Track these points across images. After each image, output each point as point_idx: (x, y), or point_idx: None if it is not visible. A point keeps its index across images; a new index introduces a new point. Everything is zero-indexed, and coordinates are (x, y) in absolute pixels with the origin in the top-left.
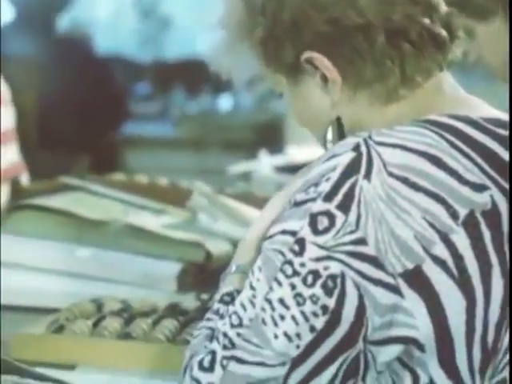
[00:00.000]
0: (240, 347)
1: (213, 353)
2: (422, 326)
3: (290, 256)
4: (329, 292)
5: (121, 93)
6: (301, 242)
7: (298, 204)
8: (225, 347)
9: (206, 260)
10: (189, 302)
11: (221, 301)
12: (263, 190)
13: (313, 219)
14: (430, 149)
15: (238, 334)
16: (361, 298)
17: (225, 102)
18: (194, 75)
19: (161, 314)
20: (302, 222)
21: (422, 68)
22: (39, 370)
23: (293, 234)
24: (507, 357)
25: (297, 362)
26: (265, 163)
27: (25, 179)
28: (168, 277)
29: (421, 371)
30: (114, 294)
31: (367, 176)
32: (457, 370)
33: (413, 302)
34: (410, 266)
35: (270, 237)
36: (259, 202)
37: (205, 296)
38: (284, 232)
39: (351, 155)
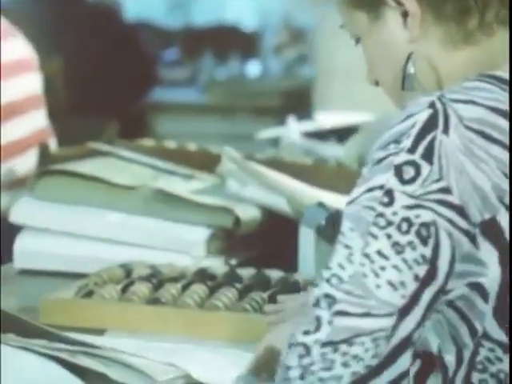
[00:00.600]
0: (342, 300)
1: (318, 318)
2: (491, 275)
3: (380, 208)
4: (423, 241)
5: (150, 59)
6: (389, 193)
7: (379, 161)
8: (329, 306)
9: (234, 225)
10: (217, 267)
11: None
12: (291, 156)
13: (398, 170)
14: (499, 104)
15: (338, 289)
16: (452, 247)
17: (253, 68)
18: (222, 41)
19: (189, 279)
20: (387, 174)
21: (500, 17)
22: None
23: (380, 187)
24: None
25: (404, 313)
26: (293, 129)
27: (53, 145)
28: (197, 242)
29: (478, 324)
30: (142, 259)
31: (445, 131)
32: (508, 319)
33: (487, 251)
34: (487, 216)
35: (352, 200)
36: (288, 168)
37: (233, 261)
38: (369, 189)
39: (428, 112)
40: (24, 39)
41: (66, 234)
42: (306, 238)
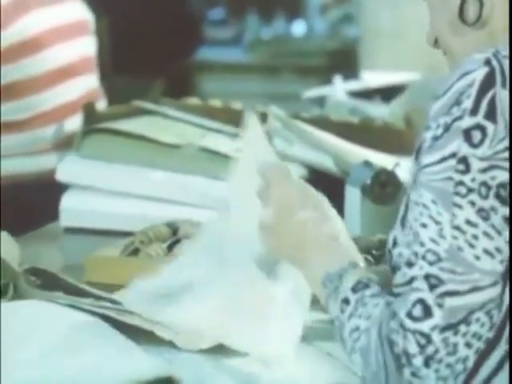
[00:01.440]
0: (448, 280)
1: (420, 301)
2: None
3: (458, 177)
4: (504, 201)
5: (195, 18)
6: (464, 160)
7: (446, 128)
8: (433, 287)
9: None
10: None
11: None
12: (337, 115)
13: (466, 135)
14: None
15: (442, 269)
16: None
17: (298, 28)
18: (268, 0)
19: None
20: (457, 141)
21: None
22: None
23: (453, 155)
24: None
25: (506, 278)
26: (339, 88)
27: (103, 106)
28: None
29: None
30: (188, 218)
31: (504, 85)
32: None
33: None
34: None
35: (425, 167)
36: (334, 127)
37: None
38: (443, 159)
39: (485, 69)
40: (81, 2)
41: (111, 192)
42: (352, 197)
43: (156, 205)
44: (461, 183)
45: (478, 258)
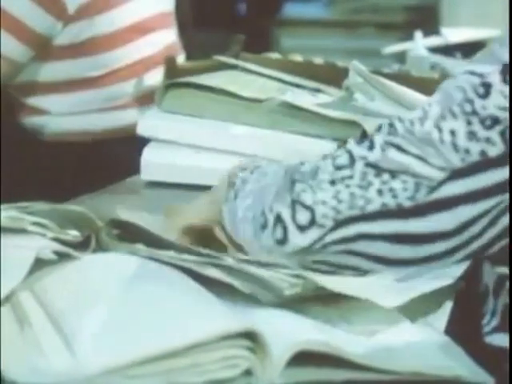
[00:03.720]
0: (403, 136)
1: (371, 140)
2: None
3: (471, 95)
4: (505, 141)
5: None
6: (487, 86)
7: (492, 52)
8: (388, 133)
9: None
10: None
11: None
12: (418, 70)
13: (505, 68)
14: None
15: (404, 127)
16: None
17: None
18: None
19: None
20: (494, 67)
21: None
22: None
23: (480, 75)
24: None
25: (456, 175)
26: (419, 44)
27: (181, 61)
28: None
29: None
30: None
31: None
32: None
33: None
34: None
35: (452, 76)
36: (415, 82)
37: None
38: (470, 72)
39: None
40: None
41: (192, 146)
42: None
43: (236, 159)
44: (470, 101)
45: (443, 142)
